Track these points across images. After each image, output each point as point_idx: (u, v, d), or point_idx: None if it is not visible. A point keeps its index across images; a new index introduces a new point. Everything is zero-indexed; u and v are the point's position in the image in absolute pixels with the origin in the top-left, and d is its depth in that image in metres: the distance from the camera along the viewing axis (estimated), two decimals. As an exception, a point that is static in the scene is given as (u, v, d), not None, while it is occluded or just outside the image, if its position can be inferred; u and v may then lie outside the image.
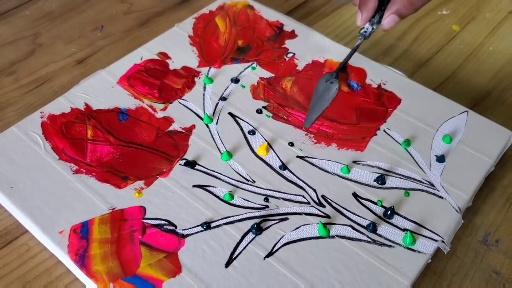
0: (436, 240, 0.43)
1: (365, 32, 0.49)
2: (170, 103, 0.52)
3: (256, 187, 0.46)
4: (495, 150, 0.50)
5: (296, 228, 0.43)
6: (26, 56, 0.60)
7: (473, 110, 0.54)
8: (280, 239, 0.42)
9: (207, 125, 0.51)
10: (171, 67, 0.56)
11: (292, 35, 0.61)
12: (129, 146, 0.48)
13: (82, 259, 0.40)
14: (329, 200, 0.45)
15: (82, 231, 0.42)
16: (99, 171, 0.46)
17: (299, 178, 0.46)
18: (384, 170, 0.47)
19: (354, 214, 0.44)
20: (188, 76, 0.55)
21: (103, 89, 0.53)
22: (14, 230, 0.44)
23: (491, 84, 0.60)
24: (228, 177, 0.47)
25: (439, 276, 0.43)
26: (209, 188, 0.46)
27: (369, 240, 0.43)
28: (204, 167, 0.47)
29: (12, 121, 0.52)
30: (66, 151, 0.47)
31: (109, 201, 0.44)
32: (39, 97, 0.55)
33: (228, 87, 0.54)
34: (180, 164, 0.47)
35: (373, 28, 0.48)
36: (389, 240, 0.43)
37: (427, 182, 0.46)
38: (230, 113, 0.52)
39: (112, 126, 0.50)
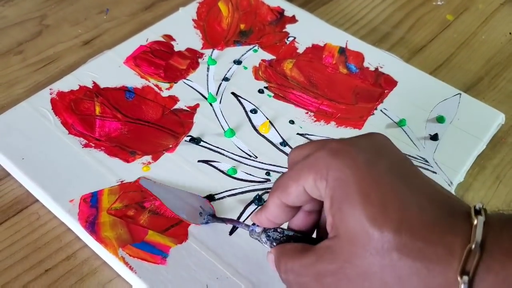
0: (429, 213, 0.45)
1: (253, 231, 0.35)
2: (175, 82, 0.54)
3: (258, 162, 0.48)
4: (486, 131, 0.52)
5: (297, 200, 0.45)
6: (34, 36, 0.61)
7: (466, 94, 0.56)
8: (282, 209, 0.44)
9: (210, 104, 0.53)
10: (176, 49, 0.58)
11: (293, 20, 0.63)
12: (136, 123, 0.50)
13: (92, 226, 0.42)
14: (328, 175, 0.47)
15: (92, 201, 0.44)
16: (107, 145, 0.48)
17: (299, 154, 0.49)
18: (381, 147, 0.50)
19: (352, 187, 0.46)
20: (193, 58, 0.57)
21: (110, 69, 0.55)
22: (24, 199, 0.46)
23: (483, 71, 0.62)
24: (232, 153, 0.48)
25: (432, 247, 0.45)
26: (213, 163, 0.48)
27: (366, 211, 0.45)
28: (208, 143, 0.49)
29: (20, 98, 0.53)
30: (75, 126, 0.49)
31: (117, 174, 0.46)
32: (47, 76, 0.57)
33: (231, 68, 0.56)
34: (185, 141, 0.49)
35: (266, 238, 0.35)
36: (385, 212, 0.45)
37: (421, 158, 0.49)
38: (233, 93, 0.54)
39: (120, 103, 0.52)
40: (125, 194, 0.44)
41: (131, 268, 0.40)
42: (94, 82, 0.53)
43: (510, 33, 0.68)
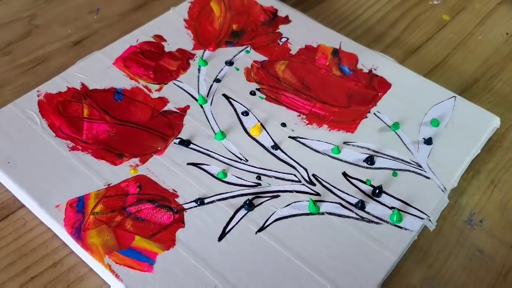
0: (422, 218, 0.44)
1: None
2: (165, 84, 0.53)
3: (249, 165, 0.47)
4: (481, 135, 0.51)
5: (287, 205, 0.44)
6: (23, 37, 0.60)
7: (461, 96, 0.55)
8: (272, 215, 0.43)
9: (201, 106, 0.52)
10: (167, 49, 0.57)
11: (286, 20, 0.62)
12: (124, 125, 0.49)
13: (78, 232, 0.41)
14: (320, 179, 0.46)
15: (78, 205, 0.43)
16: (95, 148, 0.47)
17: (290, 158, 0.48)
18: (373, 151, 0.49)
19: (343, 192, 0.45)
20: (183, 58, 0.56)
21: (99, 70, 0.54)
22: (10, 204, 0.45)
23: (479, 72, 0.61)
24: (222, 156, 0.48)
25: (425, 253, 0.44)
26: (203, 166, 0.47)
27: (358, 217, 0.44)
28: (198, 146, 0.48)
29: (8, 100, 0.52)
30: (63, 128, 0.48)
31: (104, 177, 0.45)
32: (35, 77, 0.56)
33: (222, 69, 0.55)
34: (174, 143, 0.48)
35: None
36: (377, 217, 0.44)
37: (414, 163, 0.48)
38: (224, 95, 0.53)
39: (108, 105, 0.51)
40: (110, 198, 0.43)
41: (117, 276, 0.39)
42: (82, 84, 0.52)
43: (507, 33, 0.67)
